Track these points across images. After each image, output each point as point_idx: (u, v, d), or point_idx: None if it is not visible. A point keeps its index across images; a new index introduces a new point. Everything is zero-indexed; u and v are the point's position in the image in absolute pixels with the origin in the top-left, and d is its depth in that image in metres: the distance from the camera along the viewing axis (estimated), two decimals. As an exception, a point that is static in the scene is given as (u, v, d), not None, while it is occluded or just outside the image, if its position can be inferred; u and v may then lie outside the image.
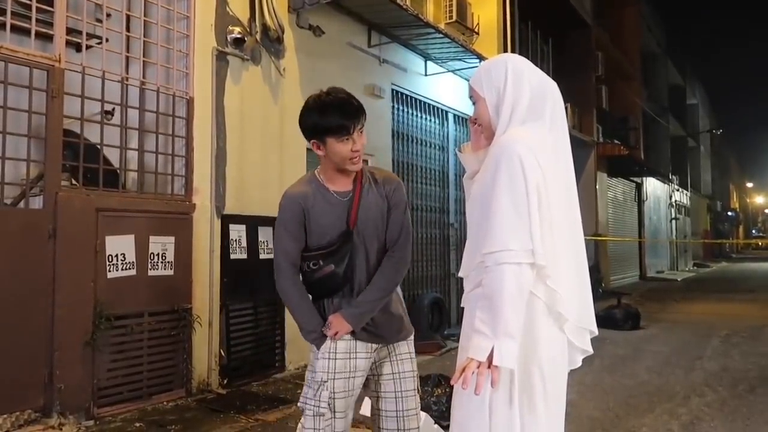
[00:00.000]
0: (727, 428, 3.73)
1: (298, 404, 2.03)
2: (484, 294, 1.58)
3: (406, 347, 2.13)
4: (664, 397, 4.46)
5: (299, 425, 2.00)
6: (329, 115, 1.97)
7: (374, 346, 2.06)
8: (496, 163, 1.66)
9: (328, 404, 1.95)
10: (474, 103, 1.87)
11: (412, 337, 2.18)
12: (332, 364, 1.99)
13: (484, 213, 1.67)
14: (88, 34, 4.04)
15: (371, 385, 2.11)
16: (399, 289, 2.17)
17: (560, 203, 1.73)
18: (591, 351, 1.83)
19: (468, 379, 1.50)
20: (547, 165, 1.68)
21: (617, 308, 7.95)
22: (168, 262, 4.27)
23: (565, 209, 1.76)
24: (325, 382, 1.97)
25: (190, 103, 4.53)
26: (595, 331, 1.80)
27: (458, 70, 7.72)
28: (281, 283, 2.06)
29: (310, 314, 2.05)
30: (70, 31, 3.95)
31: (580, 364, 1.84)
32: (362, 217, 2.05)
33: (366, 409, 3.11)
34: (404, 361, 2.10)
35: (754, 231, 60.72)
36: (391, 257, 2.09)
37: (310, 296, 2.10)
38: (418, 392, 2.11)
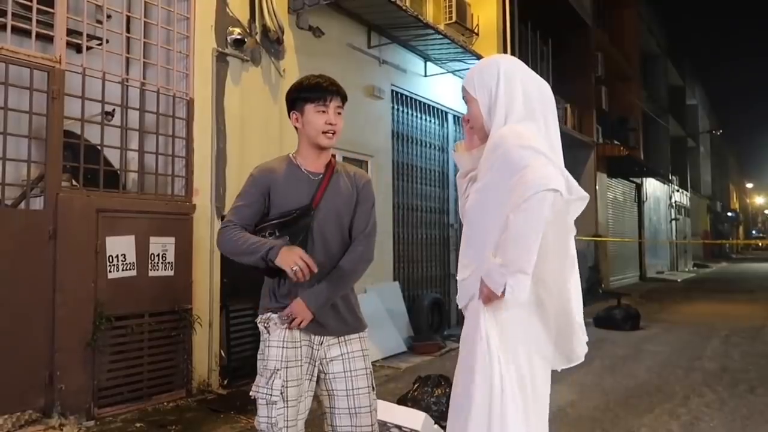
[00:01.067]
0: (726, 428, 3.74)
1: (251, 393, 2.02)
2: (509, 226, 1.68)
3: (358, 344, 2.11)
4: (663, 397, 4.47)
5: (257, 414, 2.00)
6: (308, 85, 2.10)
7: (317, 337, 2.05)
8: (502, 151, 1.74)
9: (281, 393, 1.95)
10: (467, 104, 1.89)
11: (365, 333, 2.16)
12: (285, 352, 1.99)
13: (495, 208, 1.71)
14: (88, 35, 4.05)
15: (322, 383, 2.09)
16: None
17: None
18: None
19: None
20: None
21: (617, 308, 7.96)
22: (168, 262, 4.27)
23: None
24: (278, 370, 1.97)
25: (190, 104, 4.53)
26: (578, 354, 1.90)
27: (458, 70, 7.72)
28: (223, 233, 2.03)
29: (257, 241, 1.98)
30: (70, 32, 3.96)
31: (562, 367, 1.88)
32: (327, 200, 2.08)
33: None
34: (356, 359, 2.09)
35: (754, 231, 60.74)
36: (355, 248, 2.11)
37: (265, 274, 2.07)
38: (372, 390, 2.10)
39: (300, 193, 2.06)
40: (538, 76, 1.91)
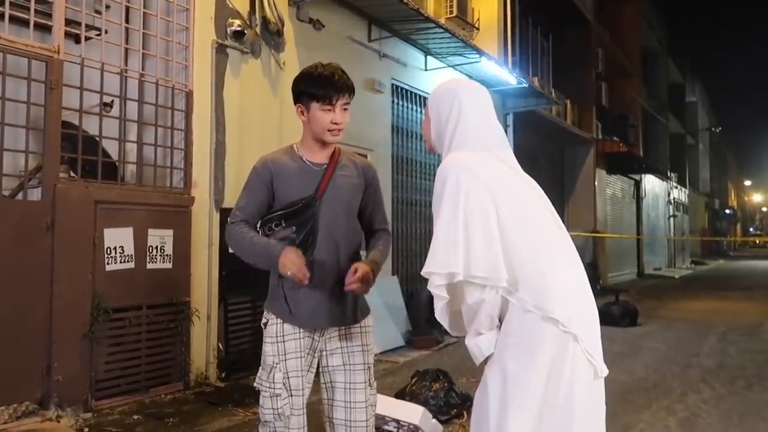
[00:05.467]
0: (723, 425, 3.74)
1: (254, 384, 2.04)
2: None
3: (359, 339, 2.09)
4: (661, 393, 4.48)
5: (260, 406, 2.02)
6: (316, 82, 2.04)
7: (318, 328, 2.05)
8: (439, 185, 1.76)
9: (283, 384, 1.97)
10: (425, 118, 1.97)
11: (367, 327, 2.12)
12: (281, 347, 2.00)
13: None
14: (87, 25, 4.02)
15: (322, 375, 2.09)
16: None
17: (529, 218, 1.75)
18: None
19: None
20: (499, 185, 1.73)
21: (615, 305, 7.96)
22: (166, 255, 4.26)
23: (544, 223, 1.76)
24: (277, 364, 1.99)
25: (189, 95, 4.51)
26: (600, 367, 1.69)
27: (459, 65, 7.70)
28: (230, 231, 2.05)
29: (262, 240, 2.00)
30: (69, 22, 3.93)
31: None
32: (331, 191, 2.06)
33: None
34: (356, 353, 2.07)
35: (751, 229, 60.85)
36: (382, 234, 2.19)
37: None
38: (369, 386, 2.08)
39: (304, 184, 2.04)
40: (491, 109, 1.91)
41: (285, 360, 1.98)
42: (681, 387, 4.65)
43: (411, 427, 3.14)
